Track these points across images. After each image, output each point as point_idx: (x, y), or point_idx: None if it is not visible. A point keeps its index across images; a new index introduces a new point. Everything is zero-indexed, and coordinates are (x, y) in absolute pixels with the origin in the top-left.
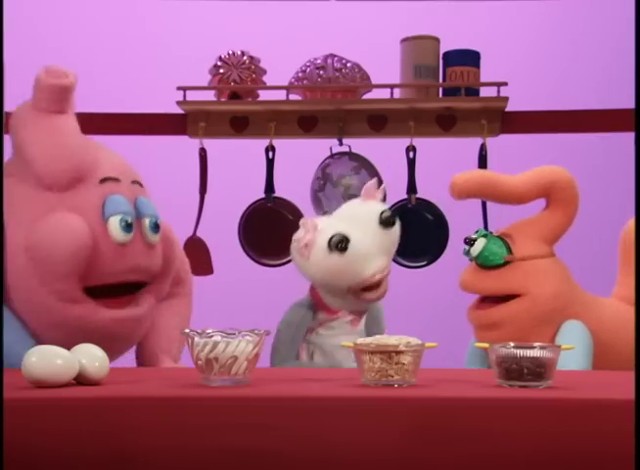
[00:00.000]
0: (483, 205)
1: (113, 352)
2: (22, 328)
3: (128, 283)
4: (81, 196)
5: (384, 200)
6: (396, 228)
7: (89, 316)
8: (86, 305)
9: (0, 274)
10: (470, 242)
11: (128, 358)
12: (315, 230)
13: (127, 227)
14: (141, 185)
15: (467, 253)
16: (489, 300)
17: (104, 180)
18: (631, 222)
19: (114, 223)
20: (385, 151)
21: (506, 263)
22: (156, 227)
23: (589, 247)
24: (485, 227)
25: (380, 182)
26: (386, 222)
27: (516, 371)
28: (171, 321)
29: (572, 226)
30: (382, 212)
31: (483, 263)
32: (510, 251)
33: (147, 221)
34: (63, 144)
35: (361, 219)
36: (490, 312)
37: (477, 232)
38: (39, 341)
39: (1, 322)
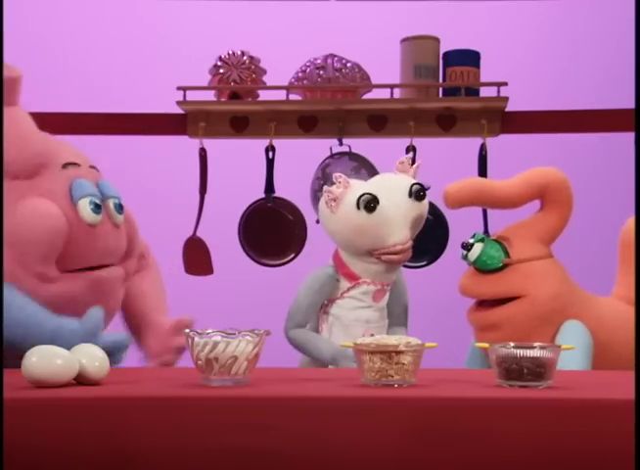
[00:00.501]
0: None
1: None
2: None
3: (101, 267)
4: (48, 181)
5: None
6: (425, 203)
7: (67, 291)
8: (62, 278)
9: (0, 271)
10: (467, 246)
11: (129, 358)
12: (347, 186)
13: (97, 208)
14: (97, 170)
15: (464, 257)
16: (488, 301)
17: (66, 165)
18: (630, 222)
19: (84, 205)
20: (385, 151)
21: (504, 267)
22: (120, 208)
23: (589, 247)
24: (486, 227)
25: (414, 160)
26: (416, 195)
27: (516, 371)
28: (150, 284)
29: (572, 226)
30: (412, 185)
31: (482, 268)
32: (507, 254)
33: (112, 202)
34: (22, 134)
35: (392, 189)
36: (490, 314)
37: (473, 236)
38: None
39: (1, 320)
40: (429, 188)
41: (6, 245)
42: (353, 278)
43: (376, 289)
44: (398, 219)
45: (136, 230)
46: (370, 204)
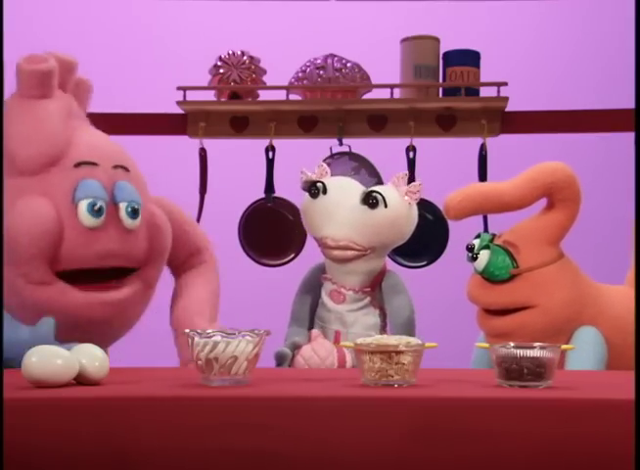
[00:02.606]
0: None
1: (99, 336)
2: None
3: (110, 268)
4: (52, 180)
5: (418, 196)
6: (381, 214)
7: (58, 298)
8: (55, 286)
9: (0, 273)
10: (471, 249)
11: (129, 359)
12: (322, 175)
13: (96, 212)
14: (126, 170)
15: (470, 260)
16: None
17: (79, 164)
18: None
19: (83, 207)
20: (385, 151)
21: (512, 276)
22: (134, 212)
23: (588, 247)
24: (486, 227)
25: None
26: (364, 200)
27: (516, 371)
28: (197, 286)
29: (573, 226)
30: (368, 191)
31: (490, 278)
32: (515, 262)
33: (123, 206)
34: (36, 128)
35: (351, 189)
36: (501, 322)
37: (478, 236)
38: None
39: (1, 321)
40: (384, 204)
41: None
42: (324, 272)
43: (332, 288)
44: (341, 215)
45: (164, 238)
46: (312, 189)
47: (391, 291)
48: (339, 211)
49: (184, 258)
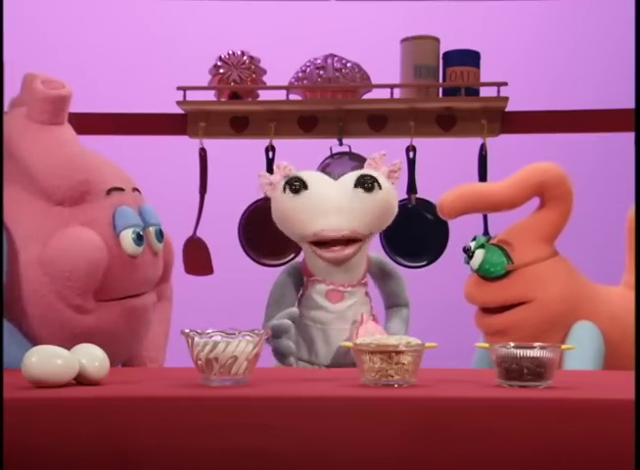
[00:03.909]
0: None
1: (122, 347)
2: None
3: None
4: (92, 210)
5: (398, 175)
6: (379, 196)
7: (101, 318)
8: (97, 308)
9: (0, 270)
10: (468, 251)
11: None
12: (287, 172)
13: (139, 240)
14: (139, 192)
15: (467, 261)
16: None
17: (110, 191)
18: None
19: (127, 237)
20: (385, 151)
21: (508, 273)
22: (161, 235)
23: (588, 247)
24: (485, 227)
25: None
26: (359, 183)
27: (516, 371)
28: (159, 329)
29: (573, 226)
30: (361, 175)
31: (485, 275)
32: (510, 259)
33: (152, 230)
34: (68, 158)
35: (341, 179)
36: (497, 319)
37: (474, 239)
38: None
39: (1, 323)
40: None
41: (45, 274)
42: (308, 275)
43: (328, 289)
44: (336, 204)
45: (173, 255)
46: (293, 185)
47: (384, 275)
48: (331, 202)
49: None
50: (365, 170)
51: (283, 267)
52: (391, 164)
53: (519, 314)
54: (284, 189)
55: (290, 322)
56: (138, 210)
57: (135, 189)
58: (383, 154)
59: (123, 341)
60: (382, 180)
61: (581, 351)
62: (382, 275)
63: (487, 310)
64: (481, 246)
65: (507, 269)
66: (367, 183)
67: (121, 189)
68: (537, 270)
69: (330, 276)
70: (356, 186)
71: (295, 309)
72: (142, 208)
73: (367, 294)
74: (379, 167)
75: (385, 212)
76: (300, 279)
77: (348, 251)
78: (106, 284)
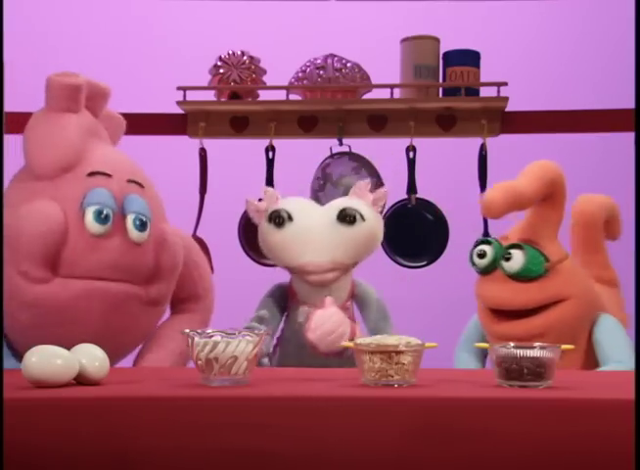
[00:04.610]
0: None
1: (101, 341)
2: None
3: (108, 281)
4: (63, 185)
5: (383, 203)
6: (359, 228)
7: (58, 292)
8: (55, 282)
9: (0, 270)
10: (482, 255)
11: (128, 359)
12: (273, 201)
13: (103, 219)
14: (141, 186)
15: (484, 266)
16: (516, 311)
17: (92, 174)
18: (580, 200)
19: (89, 214)
20: (385, 151)
21: (545, 271)
22: (142, 225)
23: None
24: (486, 228)
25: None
26: (341, 217)
27: (516, 371)
28: (176, 340)
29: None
30: (343, 208)
31: (527, 276)
32: (546, 258)
33: (131, 218)
34: (56, 136)
35: (320, 210)
36: (536, 321)
37: (482, 243)
38: (10, 324)
39: (1, 323)
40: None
41: (5, 243)
42: (293, 296)
43: (310, 311)
44: (318, 238)
45: (172, 252)
46: (277, 219)
47: (365, 304)
48: (313, 235)
49: (180, 300)
50: (348, 201)
51: (269, 289)
52: (376, 192)
53: (557, 313)
54: (269, 220)
55: (266, 313)
56: (123, 197)
57: (133, 181)
58: (367, 182)
59: (86, 323)
60: (365, 211)
61: (620, 339)
62: (363, 304)
63: (509, 318)
64: (516, 247)
65: (546, 268)
66: (349, 217)
67: (107, 175)
68: (567, 267)
69: (313, 298)
70: (338, 219)
71: (264, 311)
72: (127, 196)
73: (352, 317)
74: (364, 196)
75: (368, 243)
76: (285, 301)
77: (329, 275)
78: (65, 259)
